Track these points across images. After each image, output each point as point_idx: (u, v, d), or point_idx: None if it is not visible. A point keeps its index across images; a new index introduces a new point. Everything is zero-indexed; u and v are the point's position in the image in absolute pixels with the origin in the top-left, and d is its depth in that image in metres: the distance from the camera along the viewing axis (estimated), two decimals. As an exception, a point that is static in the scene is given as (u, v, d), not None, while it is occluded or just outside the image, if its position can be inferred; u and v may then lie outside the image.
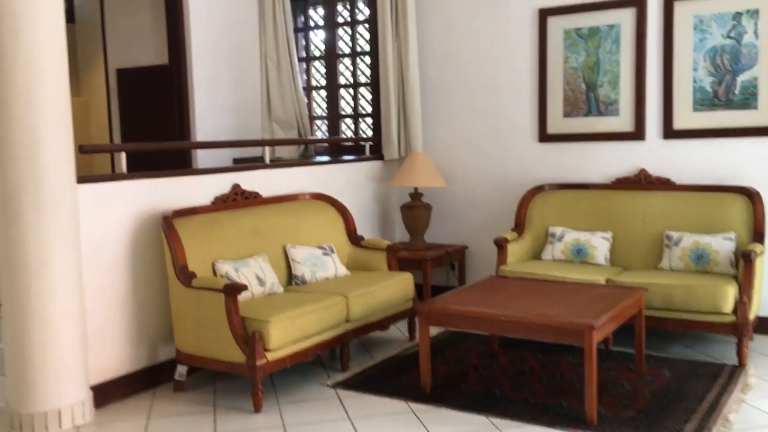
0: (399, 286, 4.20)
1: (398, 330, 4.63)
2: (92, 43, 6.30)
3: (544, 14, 4.93)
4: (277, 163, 4.89)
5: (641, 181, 4.62)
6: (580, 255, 4.46)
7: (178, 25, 5.49)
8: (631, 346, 3.86)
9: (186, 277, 3.55)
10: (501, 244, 4.54)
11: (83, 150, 3.62)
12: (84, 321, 3.28)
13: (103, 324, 3.54)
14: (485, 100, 5.22)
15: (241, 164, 5.09)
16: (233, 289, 3.38)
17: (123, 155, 3.80)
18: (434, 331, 4.28)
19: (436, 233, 5.39)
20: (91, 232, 3.48)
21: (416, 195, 5.17)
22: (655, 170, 4.63)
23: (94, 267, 3.50)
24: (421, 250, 5.06)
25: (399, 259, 4.57)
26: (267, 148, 4.82)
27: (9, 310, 3.12)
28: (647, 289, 3.76)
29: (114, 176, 3.75)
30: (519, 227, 4.79)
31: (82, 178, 3.43)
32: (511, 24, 5.07)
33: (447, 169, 5.36)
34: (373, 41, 5.72)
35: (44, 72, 3.09)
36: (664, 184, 4.55)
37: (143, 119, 5.98)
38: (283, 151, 5.81)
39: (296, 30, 6.04)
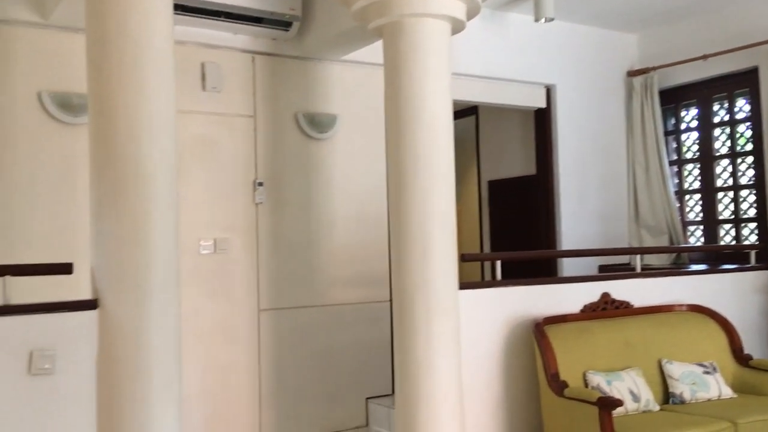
0: (802, 418, 3.61)
1: (800, 470, 3.93)
2: (468, 158, 6.92)
3: None
4: (648, 271, 4.70)
5: None
6: None
7: (547, 137, 5.75)
8: None
9: (557, 385, 3.55)
10: None
11: (465, 259, 3.93)
12: (463, 419, 3.45)
13: (478, 424, 3.71)
14: None
15: (610, 272, 5.00)
16: (608, 404, 3.27)
17: (498, 263, 4.04)
18: None
19: None
20: (469, 334, 3.72)
21: (818, 311, 4.46)
22: None
23: (471, 368, 3.71)
24: (827, 376, 4.29)
25: (799, 385, 3.94)
26: (637, 256, 4.67)
27: (401, 403, 3.45)
28: None
29: (490, 283, 4.00)
30: None
31: (464, 284, 3.70)
32: None
33: None
34: (757, 140, 5.26)
35: (439, 188, 3.46)
36: None
37: (511, 227, 6.30)
38: (653, 259, 5.56)
39: (666, 133, 5.86)
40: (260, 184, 4.49)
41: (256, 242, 4.47)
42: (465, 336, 3.63)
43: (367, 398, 4.72)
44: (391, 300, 4.67)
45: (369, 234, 4.84)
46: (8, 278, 2.80)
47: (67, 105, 3.83)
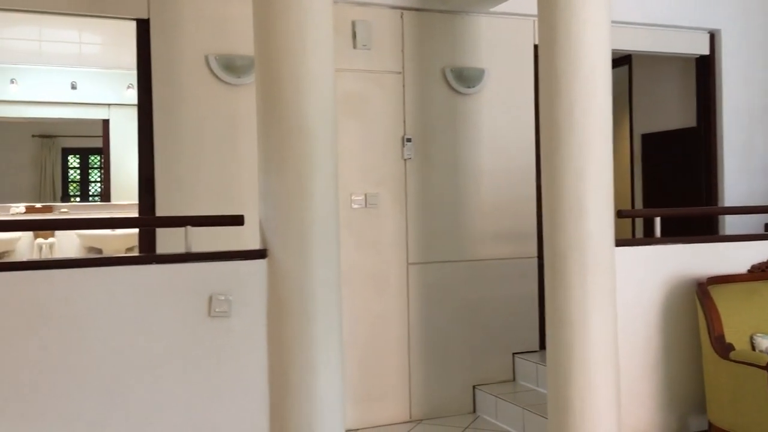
0: None
1: None
2: (620, 110, 6.61)
3: None
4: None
5: None
6: None
7: (710, 87, 5.38)
8: None
9: (722, 348, 3.38)
10: None
11: (621, 215, 3.80)
12: (618, 379, 3.39)
13: (634, 385, 3.62)
14: None
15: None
16: (779, 369, 3.08)
17: (658, 220, 3.87)
18: None
19: None
20: (625, 293, 3.61)
21: None
22: None
23: (627, 327, 3.62)
24: None
25: None
26: (812, 214, 4.32)
27: (552, 358, 3.43)
28: None
29: (649, 240, 3.85)
30: None
31: (620, 242, 3.59)
32: None
33: None
34: None
35: (596, 141, 3.35)
36: None
37: (665, 183, 5.99)
38: (830, 217, 5.10)
39: None
40: (408, 140, 4.55)
41: (405, 197, 4.55)
42: (620, 295, 3.53)
43: (514, 353, 4.73)
44: (539, 256, 4.68)
45: (516, 189, 4.79)
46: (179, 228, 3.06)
47: (231, 66, 4.06)
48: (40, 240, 5.99)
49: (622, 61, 6.38)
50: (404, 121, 4.56)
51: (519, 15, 4.70)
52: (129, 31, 4.07)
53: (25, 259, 5.64)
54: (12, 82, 6.33)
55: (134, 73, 4.09)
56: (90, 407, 2.81)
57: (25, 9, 3.85)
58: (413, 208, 4.57)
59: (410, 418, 4.47)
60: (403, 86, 4.56)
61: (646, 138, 6.25)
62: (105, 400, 2.82)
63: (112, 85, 6.69)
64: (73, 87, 6.49)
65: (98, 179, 7.23)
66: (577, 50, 3.31)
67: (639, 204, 6.28)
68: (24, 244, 5.99)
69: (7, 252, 5.89)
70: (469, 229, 4.69)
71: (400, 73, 4.55)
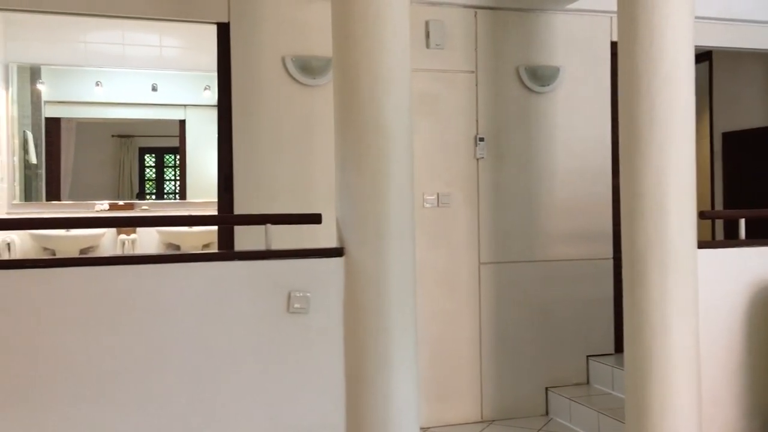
0: None
1: None
2: (699, 108, 6.39)
3: None
4: None
5: None
6: None
7: (797, 83, 5.16)
8: None
9: (812, 356, 3.24)
10: None
11: (704, 216, 3.69)
12: (699, 385, 3.29)
13: (716, 391, 3.51)
14: None
15: None
16: None
17: (742, 221, 3.74)
18: None
19: None
20: (707, 296, 3.50)
21: None
22: None
23: (709, 332, 3.51)
24: None
25: None
26: None
27: (631, 362, 3.36)
28: None
29: (733, 242, 3.73)
30: None
31: (702, 243, 3.48)
32: None
33: None
34: None
35: (678, 141, 3.27)
36: None
37: (747, 183, 5.77)
38: None
39: None
40: (481, 139, 4.53)
41: (477, 197, 4.54)
42: (702, 298, 3.43)
43: (588, 356, 4.65)
44: (614, 257, 4.59)
45: (590, 189, 4.71)
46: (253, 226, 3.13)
47: (307, 68, 4.13)
48: (122, 236, 6.23)
49: (702, 57, 6.18)
50: (477, 121, 4.54)
51: (595, 12, 4.62)
52: (207, 34, 4.20)
53: (113, 255, 5.89)
54: (97, 84, 6.61)
55: (211, 74, 4.21)
56: (171, 398, 2.90)
57: (115, 15, 4.01)
58: (485, 208, 4.55)
59: (482, 418, 4.46)
60: (476, 85, 4.54)
61: (727, 137, 6.04)
62: (185, 391, 2.92)
63: (190, 86, 6.88)
64: (154, 89, 6.73)
65: (173, 178, 7.46)
66: (658, 46, 3.23)
67: (719, 205, 6.07)
68: (108, 240, 6.25)
69: (92, 247, 6.16)
70: (542, 229, 4.64)
71: (473, 72, 4.54)
